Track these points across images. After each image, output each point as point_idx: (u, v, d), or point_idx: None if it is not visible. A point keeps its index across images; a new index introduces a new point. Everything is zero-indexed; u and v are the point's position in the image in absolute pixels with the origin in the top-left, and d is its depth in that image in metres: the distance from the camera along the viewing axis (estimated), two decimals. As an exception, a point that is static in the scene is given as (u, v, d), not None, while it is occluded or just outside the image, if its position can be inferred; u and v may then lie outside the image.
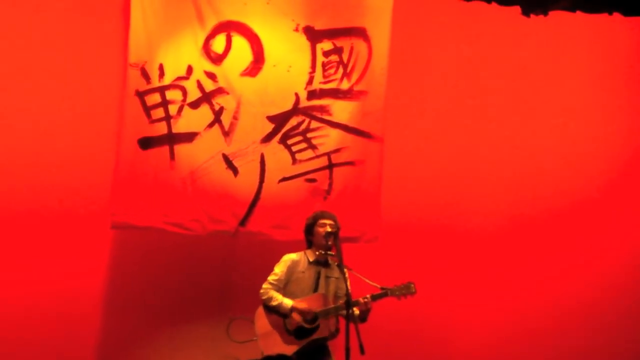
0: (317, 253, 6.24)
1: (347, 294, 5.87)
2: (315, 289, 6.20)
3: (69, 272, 7.02)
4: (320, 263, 6.25)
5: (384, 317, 6.97)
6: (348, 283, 5.94)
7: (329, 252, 6.18)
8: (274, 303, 6.10)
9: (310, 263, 6.25)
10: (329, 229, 6.16)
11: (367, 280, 6.04)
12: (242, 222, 6.95)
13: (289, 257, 6.27)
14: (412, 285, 6.14)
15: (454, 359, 7.70)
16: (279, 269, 6.23)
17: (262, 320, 6.17)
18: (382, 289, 6.08)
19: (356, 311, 6.02)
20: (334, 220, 6.23)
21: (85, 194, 7.06)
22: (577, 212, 8.06)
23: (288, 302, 6.09)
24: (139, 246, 7.13)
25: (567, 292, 7.95)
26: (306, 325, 6.06)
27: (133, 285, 7.16)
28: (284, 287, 6.18)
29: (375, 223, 7.16)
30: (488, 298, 7.82)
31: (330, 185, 7.12)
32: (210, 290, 7.28)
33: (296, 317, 6.07)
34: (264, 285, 6.18)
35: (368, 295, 6.01)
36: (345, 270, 6.01)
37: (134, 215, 6.78)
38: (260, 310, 6.19)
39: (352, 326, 5.67)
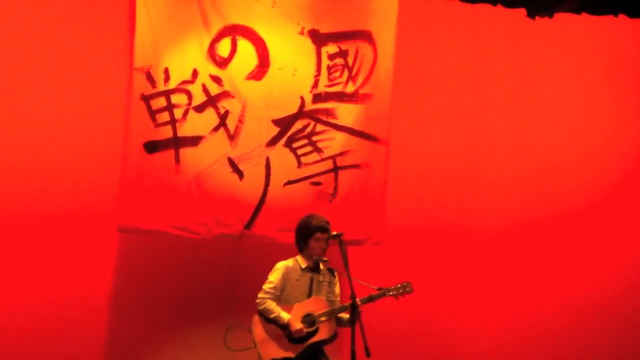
0: (309, 260, 6.25)
1: (352, 296, 5.86)
2: (309, 296, 6.21)
3: (74, 275, 7.03)
4: (312, 269, 6.27)
5: (390, 319, 7.00)
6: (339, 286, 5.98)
7: (322, 259, 6.20)
8: (271, 316, 6.11)
9: (302, 270, 6.26)
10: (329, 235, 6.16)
11: (363, 283, 6.05)
12: (248, 226, 6.95)
13: (283, 265, 6.28)
14: (409, 284, 6.15)
15: (460, 361, 7.71)
16: (274, 277, 6.22)
17: (259, 328, 6.16)
18: (379, 289, 6.10)
19: (346, 315, 6.06)
20: (329, 232, 6.18)
21: (91, 197, 7.07)
22: (585, 212, 8.03)
23: (285, 316, 6.09)
24: (145, 250, 7.15)
25: (577, 293, 7.92)
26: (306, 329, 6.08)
27: (139, 288, 7.17)
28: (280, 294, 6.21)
29: (380, 226, 7.15)
30: (495, 300, 7.79)
31: (335, 188, 7.11)
32: (215, 293, 7.29)
33: (296, 325, 6.06)
34: (260, 295, 6.18)
35: (358, 299, 6.00)
36: (336, 273, 6.17)
37: (140, 219, 6.80)
38: (257, 317, 6.19)
39: (357, 328, 5.68)
